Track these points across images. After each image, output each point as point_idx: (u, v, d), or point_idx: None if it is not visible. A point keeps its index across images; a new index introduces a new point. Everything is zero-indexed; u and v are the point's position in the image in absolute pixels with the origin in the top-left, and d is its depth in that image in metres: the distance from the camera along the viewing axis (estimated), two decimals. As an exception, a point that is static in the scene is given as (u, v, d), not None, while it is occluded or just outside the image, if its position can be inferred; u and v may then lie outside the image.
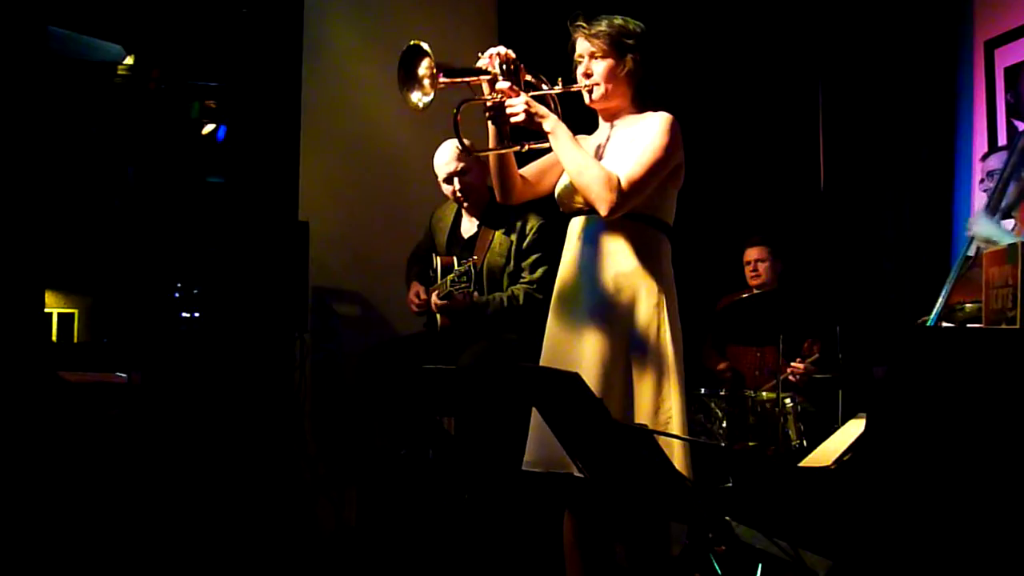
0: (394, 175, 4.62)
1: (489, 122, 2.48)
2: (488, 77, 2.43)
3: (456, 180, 3.69)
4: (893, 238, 4.34)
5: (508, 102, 2.42)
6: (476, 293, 3.53)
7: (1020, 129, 3.98)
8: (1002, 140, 4.07)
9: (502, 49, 2.45)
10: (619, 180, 2.44)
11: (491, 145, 2.54)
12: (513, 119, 2.43)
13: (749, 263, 4.31)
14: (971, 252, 2.04)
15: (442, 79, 2.34)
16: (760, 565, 2.68)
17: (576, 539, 2.67)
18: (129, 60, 4.58)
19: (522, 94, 2.43)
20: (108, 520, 3.42)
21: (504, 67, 2.43)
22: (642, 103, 2.63)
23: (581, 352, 2.53)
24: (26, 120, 3.30)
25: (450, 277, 3.51)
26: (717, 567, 3.15)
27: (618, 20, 2.57)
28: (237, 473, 3.97)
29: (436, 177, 3.79)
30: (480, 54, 2.46)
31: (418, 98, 2.36)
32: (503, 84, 2.42)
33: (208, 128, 4.73)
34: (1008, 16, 4.06)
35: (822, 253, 4.49)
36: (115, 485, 3.54)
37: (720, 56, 4.72)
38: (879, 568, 1.57)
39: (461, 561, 3.59)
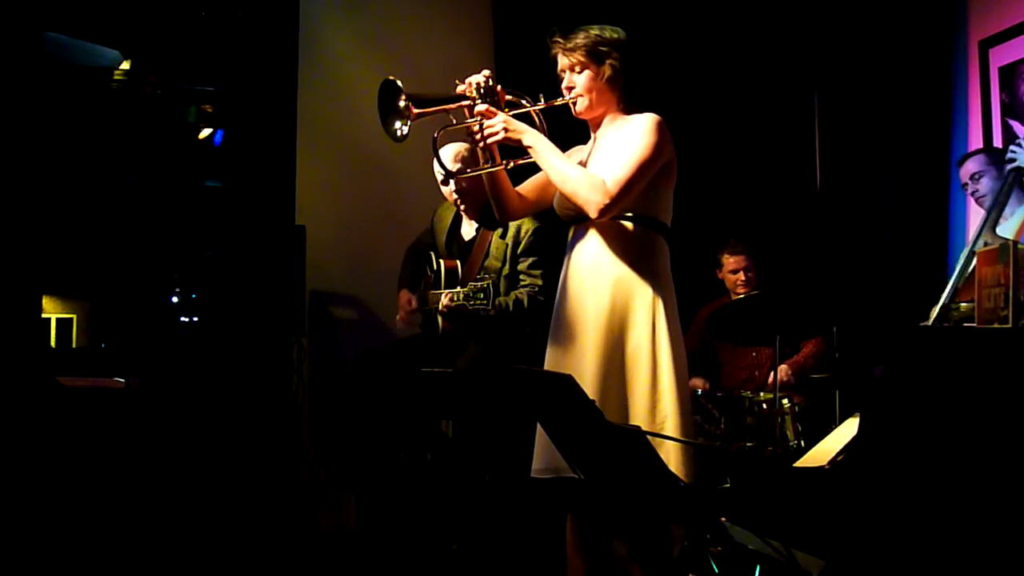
0: (390, 179, 4.61)
1: (474, 145, 2.57)
2: (467, 103, 2.53)
3: (452, 182, 3.69)
4: (889, 238, 4.35)
5: (487, 123, 2.51)
6: (492, 311, 3.48)
7: (1015, 129, 3.99)
8: (997, 140, 4.07)
9: (479, 76, 2.54)
10: (603, 182, 2.47)
11: (479, 165, 2.61)
12: (492, 139, 2.52)
13: (736, 271, 4.25)
14: (978, 247, 2.04)
15: (415, 110, 2.45)
16: (759, 566, 2.68)
17: (578, 542, 2.68)
18: (125, 65, 4.59)
19: (500, 114, 2.52)
20: (108, 524, 3.42)
21: (481, 91, 2.53)
22: (630, 105, 2.64)
23: (581, 353, 2.55)
24: (23, 126, 3.31)
25: (467, 289, 3.40)
26: (715, 568, 3.14)
27: (594, 30, 2.59)
28: (236, 476, 3.98)
29: (435, 179, 3.79)
30: (458, 81, 2.55)
31: (398, 128, 2.49)
32: (480, 107, 2.51)
33: (205, 132, 4.73)
34: (1003, 16, 4.07)
35: (819, 253, 4.49)
36: (114, 489, 3.54)
37: (715, 58, 4.73)
38: (871, 568, 1.57)
39: (461, 564, 3.60)
